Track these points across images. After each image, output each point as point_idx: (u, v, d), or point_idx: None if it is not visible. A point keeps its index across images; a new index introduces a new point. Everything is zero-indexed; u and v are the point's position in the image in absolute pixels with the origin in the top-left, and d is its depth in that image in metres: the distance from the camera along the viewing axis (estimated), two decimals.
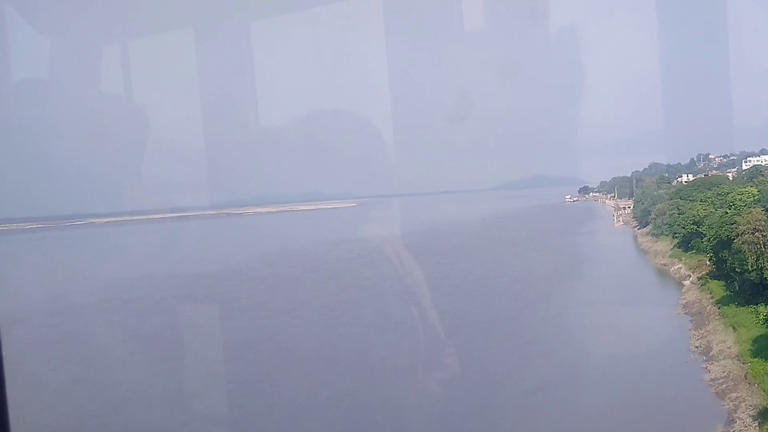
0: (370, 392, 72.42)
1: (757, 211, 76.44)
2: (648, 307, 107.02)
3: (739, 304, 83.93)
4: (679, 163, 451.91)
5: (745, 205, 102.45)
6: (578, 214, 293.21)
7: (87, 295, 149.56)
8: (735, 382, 62.99)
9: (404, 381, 66.32)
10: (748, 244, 75.58)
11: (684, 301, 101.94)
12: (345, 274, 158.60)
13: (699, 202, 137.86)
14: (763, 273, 75.86)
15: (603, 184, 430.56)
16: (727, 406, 58.81)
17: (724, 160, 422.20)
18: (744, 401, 57.58)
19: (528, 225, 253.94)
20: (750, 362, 64.50)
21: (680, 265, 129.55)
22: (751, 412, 54.53)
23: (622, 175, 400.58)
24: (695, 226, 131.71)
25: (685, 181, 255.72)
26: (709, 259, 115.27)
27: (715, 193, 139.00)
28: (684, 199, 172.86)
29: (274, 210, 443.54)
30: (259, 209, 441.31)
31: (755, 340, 69.71)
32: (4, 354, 5.59)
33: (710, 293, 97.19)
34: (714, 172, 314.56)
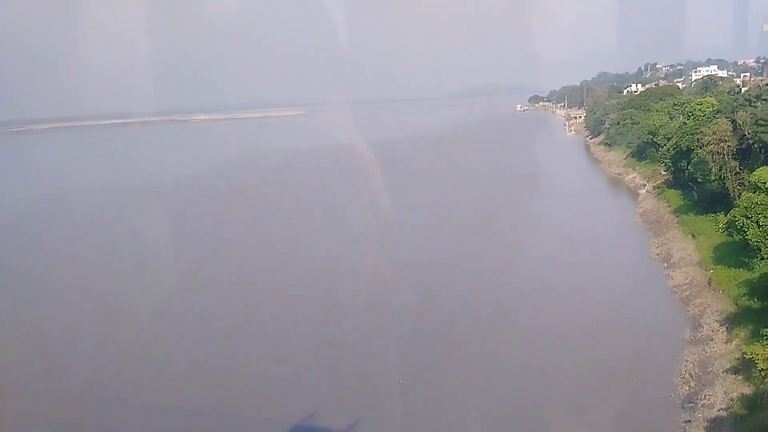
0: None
1: (724, 122, 77.00)
2: (605, 215, 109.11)
3: (698, 213, 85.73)
4: (627, 73, 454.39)
5: (704, 116, 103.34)
6: (530, 123, 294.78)
7: (32, 206, 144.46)
8: (698, 289, 64.70)
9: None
10: (713, 155, 76.44)
11: (641, 210, 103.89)
12: (302, 185, 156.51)
13: (655, 113, 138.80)
14: (725, 182, 77.17)
15: (552, 93, 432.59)
16: (692, 312, 60.42)
17: (671, 69, 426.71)
18: (709, 307, 59.18)
19: (481, 135, 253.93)
20: (713, 269, 66.13)
21: (635, 175, 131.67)
22: (717, 317, 56.08)
23: (571, 85, 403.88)
24: (651, 136, 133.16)
25: (635, 91, 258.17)
26: (665, 169, 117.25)
27: (671, 103, 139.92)
28: (637, 109, 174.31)
29: (220, 118, 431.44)
30: (204, 117, 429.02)
31: (716, 248, 71.40)
32: None
33: (667, 202, 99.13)
34: (662, 81, 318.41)
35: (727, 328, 53.39)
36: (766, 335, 41.59)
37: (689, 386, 46.97)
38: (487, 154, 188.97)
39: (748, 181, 75.76)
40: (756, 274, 60.16)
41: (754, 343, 47.14)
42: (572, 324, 61.10)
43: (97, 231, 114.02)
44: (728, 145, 76.17)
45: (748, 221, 59.33)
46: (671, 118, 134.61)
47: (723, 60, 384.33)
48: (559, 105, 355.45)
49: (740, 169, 76.87)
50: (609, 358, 53.19)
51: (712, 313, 57.76)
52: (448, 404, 47.98)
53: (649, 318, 62.82)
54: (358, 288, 74.53)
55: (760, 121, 72.03)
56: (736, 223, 67.14)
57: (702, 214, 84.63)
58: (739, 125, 76.88)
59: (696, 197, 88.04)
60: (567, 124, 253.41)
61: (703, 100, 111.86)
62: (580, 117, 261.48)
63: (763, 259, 61.71)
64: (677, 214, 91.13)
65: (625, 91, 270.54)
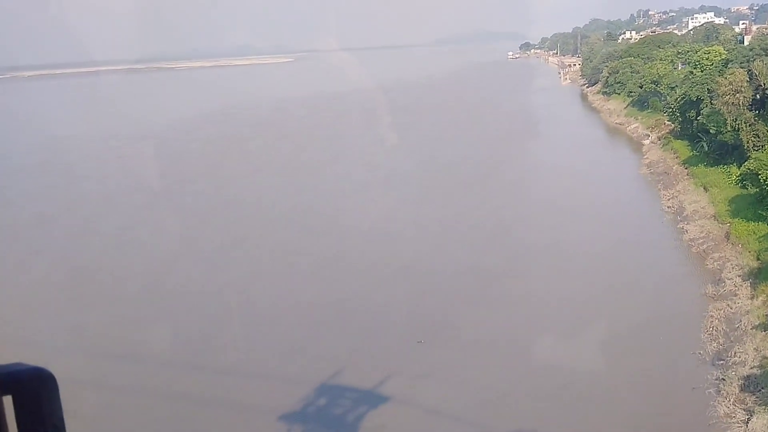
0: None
1: (740, 72, 75.42)
2: (611, 165, 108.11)
3: (708, 165, 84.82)
4: (620, 20, 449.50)
5: (712, 66, 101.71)
6: (523, 71, 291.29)
7: (20, 157, 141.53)
8: (715, 243, 64.06)
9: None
10: (728, 105, 75.04)
11: (647, 161, 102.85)
12: (297, 133, 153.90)
13: (658, 61, 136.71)
14: (739, 134, 75.98)
15: (544, 40, 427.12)
16: (711, 266, 59.85)
17: (664, 16, 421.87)
18: (729, 261, 58.60)
19: (475, 83, 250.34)
20: (730, 222, 65.41)
21: (637, 125, 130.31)
22: (739, 272, 55.51)
23: (563, 32, 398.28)
24: (654, 86, 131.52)
25: (630, 39, 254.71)
26: (670, 119, 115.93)
27: (674, 51, 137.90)
28: (635, 57, 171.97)
29: (208, 65, 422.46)
30: (191, 64, 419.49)
31: (731, 201, 70.66)
32: None
33: (675, 153, 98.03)
34: (655, 28, 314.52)
35: (751, 283, 52.77)
36: None
37: (717, 343, 46.40)
38: (484, 103, 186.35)
39: (764, 133, 74.93)
40: None
41: None
42: (590, 279, 60.56)
43: (96, 183, 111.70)
44: (744, 96, 74.74)
45: None
46: (674, 67, 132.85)
47: (716, 6, 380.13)
48: (551, 52, 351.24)
49: (755, 120, 75.62)
50: (631, 315, 52.52)
51: (732, 268, 57.17)
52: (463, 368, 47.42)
53: (667, 273, 62.33)
54: (361, 241, 73.68)
55: None
56: (756, 175, 66.40)
57: (713, 166, 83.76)
58: (755, 76, 75.29)
59: (706, 148, 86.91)
60: (561, 72, 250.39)
61: (710, 49, 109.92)
62: (574, 65, 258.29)
63: None
64: (686, 165, 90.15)
65: (619, 39, 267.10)
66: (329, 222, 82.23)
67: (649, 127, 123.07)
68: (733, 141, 78.24)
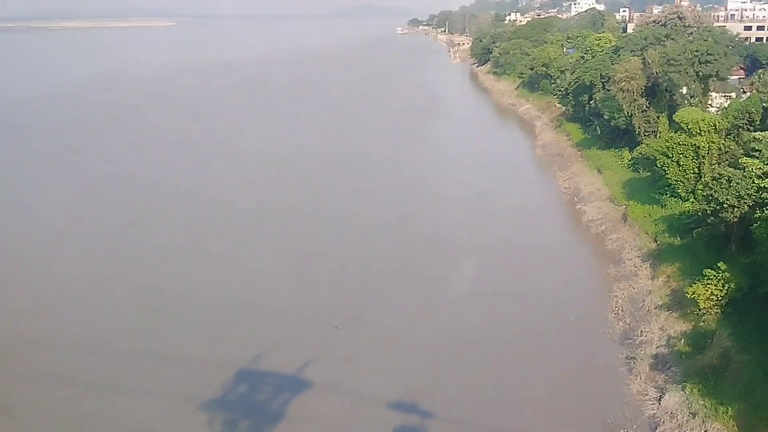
0: None
1: (635, 60, 78.79)
2: (506, 146, 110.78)
3: (601, 148, 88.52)
4: (504, 0, 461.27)
5: (603, 51, 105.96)
6: (414, 47, 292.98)
7: None
8: (613, 224, 66.97)
9: None
10: (623, 92, 78.33)
11: (541, 142, 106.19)
12: (191, 104, 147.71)
13: (549, 45, 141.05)
14: (632, 119, 79.57)
15: (432, 17, 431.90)
16: (610, 247, 62.50)
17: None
18: (627, 242, 61.42)
19: (368, 57, 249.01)
20: (626, 205, 68.55)
21: (528, 106, 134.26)
22: (637, 254, 58.26)
23: (449, 10, 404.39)
24: (544, 68, 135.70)
25: (516, 20, 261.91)
26: (560, 101, 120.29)
27: (565, 36, 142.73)
28: (524, 39, 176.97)
29: (85, 25, 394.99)
30: (66, 23, 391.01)
31: (625, 184, 74.10)
32: None
33: (567, 135, 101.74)
34: (539, 12, 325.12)
35: (650, 264, 55.54)
36: (707, 275, 43.28)
37: (624, 322, 48.59)
38: (379, 78, 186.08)
39: (654, 119, 78.90)
40: (669, 211, 63.00)
41: (684, 280, 49.37)
42: (496, 261, 61.42)
43: None
44: (638, 84, 78.20)
45: (668, 160, 61.33)
46: (564, 52, 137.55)
47: None
48: (440, 30, 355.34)
49: (647, 107, 79.40)
50: (540, 297, 54.05)
51: (631, 249, 59.95)
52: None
53: (570, 254, 64.55)
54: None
55: (671, 61, 74.15)
56: (648, 159, 69.84)
57: (605, 149, 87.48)
58: (648, 64, 78.93)
59: (599, 132, 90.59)
60: (451, 50, 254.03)
61: (601, 36, 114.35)
62: (463, 44, 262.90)
63: (674, 196, 64.58)
64: (579, 148, 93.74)
65: (506, 20, 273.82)
66: (226, 205, 79.37)
67: (540, 109, 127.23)
68: (625, 126, 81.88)
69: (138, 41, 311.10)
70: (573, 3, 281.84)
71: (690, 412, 36.39)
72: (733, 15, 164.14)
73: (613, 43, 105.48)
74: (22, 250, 65.53)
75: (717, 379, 37.74)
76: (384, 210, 75.27)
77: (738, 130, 64.12)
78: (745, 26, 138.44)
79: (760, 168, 37.95)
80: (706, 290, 43.01)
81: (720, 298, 42.72)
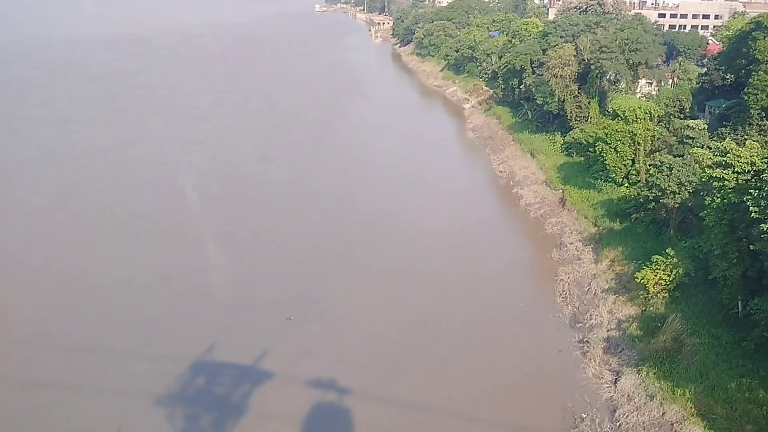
0: None
1: (568, 47, 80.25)
2: (438, 128, 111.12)
3: (532, 132, 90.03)
4: None
5: (530, 36, 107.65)
6: (333, 25, 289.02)
7: None
8: (551, 208, 68.44)
9: None
10: (557, 78, 79.81)
11: (471, 125, 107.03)
12: (105, 79, 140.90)
13: (475, 28, 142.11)
14: (563, 104, 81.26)
15: None
16: (550, 231, 63.76)
17: None
18: (567, 226, 62.80)
19: (288, 35, 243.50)
20: (562, 189, 70.10)
21: (455, 88, 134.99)
22: (578, 237, 59.72)
23: None
24: (471, 51, 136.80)
25: (434, 1, 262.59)
26: (488, 85, 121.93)
27: (490, 19, 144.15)
28: (446, 20, 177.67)
29: None
30: None
31: (559, 168, 75.72)
32: None
33: (498, 119, 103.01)
34: None
35: (593, 248, 57.07)
36: (656, 261, 44.75)
37: (573, 306, 49.78)
38: (301, 57, 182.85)
39: (585, 105, 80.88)
40: (605, 196, 64.83)
41: (628, 264, 51.00)
42: (440, 246, 61.40)
43: None
44: (571, 70, 79.84)
45: (607, 147, 62.96)
46: (490, 35, 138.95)
47: None
48: (358, 9, 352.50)
49: (579, 93, 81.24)
50: (488, 282, 54.73)
51: (572, 233, 61.41)
52: None
53: (511, 237, 65.70)
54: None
55: (603, 48, 75.98)
56: (581, 144, 71.67)
57: (537, 133, 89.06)
58: (580, 50, 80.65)
59: (530, 116, 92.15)
60: (372, 29, 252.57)
61: (528, 20, 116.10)
62: (384, 23, 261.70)
63: (608, 181, 66.48)
64: (511, 131, 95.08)
65: (426, 0, 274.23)
66: (155, 189, 76.54)
67: (467, 91, 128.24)
68: (557, 111, 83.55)
69: (38, 10, 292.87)
70: None
71: (647, 395, 37.69)
72: (645, 2, 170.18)
73: (541, 28, 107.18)
74: None
75: (671, 362, 39.21)
76: (319, 195, 74.13)
77: (669, 117, 66.59)
78: (659, 14, 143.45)
79: (710, 158, 39.39)
80: (655, 275, 44.54)
81: (668, 283, 44.29)
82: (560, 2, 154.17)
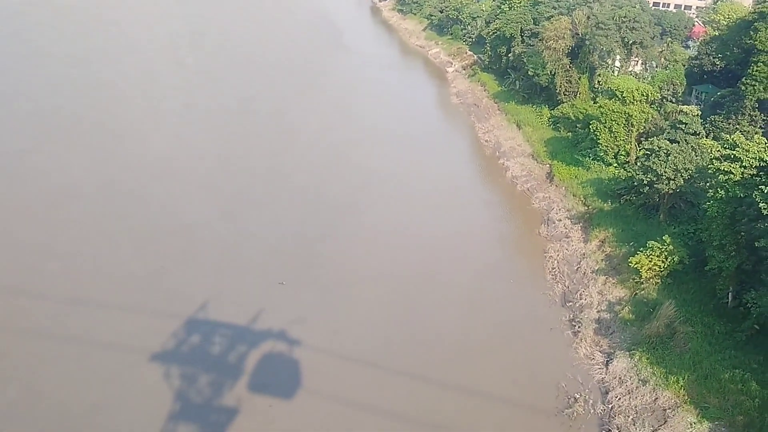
0: None
1: (565, 20, 79.51)
2: (421, 90, 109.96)
3: (518, 102, 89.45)
4: None
5: (520, 4, 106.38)
6: None
7: None
8: (538, 182, 68.56)
9: None
10: (550, 50, 79.19)
11: (455, 90, 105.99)
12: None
13: None
14: (554, 77, 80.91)
15: None
16: (537, 206, 64.01)
17: None
18: (555, 203, 63.07)
19: None
20: (549, 163, 70.22)
21: (438, 50, 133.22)
22: (566, 215, 60.05)
23: None
24: (456, 13, 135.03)
25: None
26: (471, 49, 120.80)
27: None
28: None
29: None
30: None
31: (546, 142, 75.71)
32: None
33: (483, 86, 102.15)
34: None
35: (581, 227, 57.55)
36: (651, 246, 45.26)
37: (563, 285, 50.31)
38: (275, 8, 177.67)
39: (575, 80, 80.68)
40: (594, 174, 65.16)
41: (618, 246, 51.58)
42: (427, 215, 61.09)
43: None
44: (566, 44, 79.34)
45: (601, 126, 63.06)
46: None
47: None
48: None
49: (570, 67, 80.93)
50: (477, 254, 54.89)
51: (560, 210, 61.73)
52: None
53: (498, 210, 65.57)
54: None
55: (600, 24, 75.55)
56: (569, 119, 71.82)
57: (523, 104, 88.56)
58: (575, 24, 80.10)
59: (517, 86, 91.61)
60: None
61: None
62: None
63: (597, 159, 66.71)
64: (496, 100, 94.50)
65: None
66: (137, 153, 74.39)
67: (450, 54, 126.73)
68: (546, 83, 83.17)
69: None
70: None
71: (639, 379, 38.49)
72: None
73: None
74: None
75: (664, 348, 40.03)
76: (305, 156, 72.78)
77: (662, 100, 66.90)
78: None
79: (718, 150, 39.71)
80: (649, 261, 45.08)
81: (662, 269, 44.92)
82: None
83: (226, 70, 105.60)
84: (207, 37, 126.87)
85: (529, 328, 45.04)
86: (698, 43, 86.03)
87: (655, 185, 51.97)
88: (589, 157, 67.80)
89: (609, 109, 62.51)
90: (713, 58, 73.76)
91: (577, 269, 51.84)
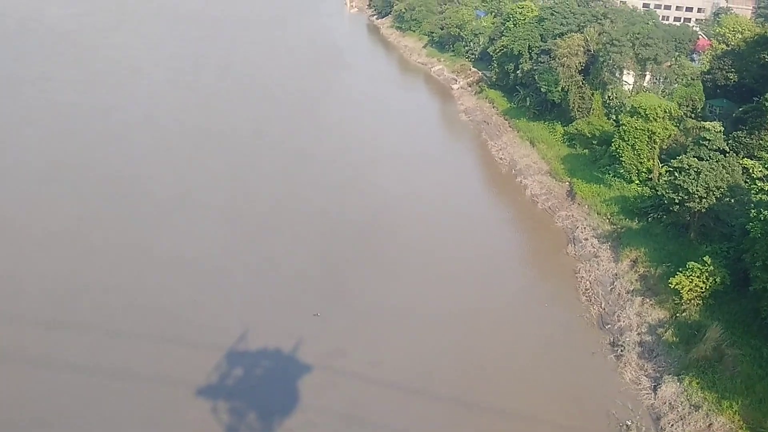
0: None
1: (578, 37, 79.66)
2: (429, 107, 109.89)
3: (530, 119, 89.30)
4: None
5: (525, 20, 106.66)
6: None
7: None
8: (559, 200, 68.26)
9: None
10: (563, 67, 79.24)
11: (463, 107, 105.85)
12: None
13: (463, 7, 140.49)
14: (567, 94, 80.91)
15: None
16: (561, 225, 63.64)
17: None
18: (579, 221, 62.74)
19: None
20: (569, 181, 69.98)
21: (441, 67, 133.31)
22: (592, 233, 59.70)
23: None
24: (458, 30, 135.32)
25: None
26: (475, 65, 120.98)
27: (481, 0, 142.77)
28: None
29: None
30: None
31: (563, 159, 75.52)
32: None
33: (491, 103, 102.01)
34: None
35: (610, 246, 57.18)
36: (691, 267, 44.90)
37: (598, 306, 49.91)
38: (273, 22, 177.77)
39: (589, 96, 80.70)
40: (616, 192, 64.94)
41: (652, 266, 51.22)
42: (455, 235, 60.77)
43: None
44: (579, 61, 79.44)
45: (624, 144, 62.92)
46: (478, 15, 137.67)
47: None
48: None
49: (582, 84, 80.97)
50: (506, 275, 54.57)
51: (585, 228, 61.38)
52: None
53: (522, 228, 65.25)
54: None
55: (614, 41, 75.69)
56: (585, 137, 71.76)
57: (535, 121, 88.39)
58: (587, 41, 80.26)
59: (528, 103, 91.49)
60: None
61: (523, 4, 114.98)
62: None
63: (618, 177, 66.51)
64: (506, 117, 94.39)
65: None
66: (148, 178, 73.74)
67: (454, 71, 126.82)
68: (559, 100, 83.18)
69: None
70: None
71: (691, 405, 38.03)
72: None
73: (535, 13, 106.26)
74: None
75: (713, 372, 39.56)
76: (321, 177, 72.27)
77: (682, 117, 66.88)
78: (643, 3, 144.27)
79: (760, 171, 39.52)
80: (690, 281, 44.71)
81: (703, 291, 44.56)
82: None
83: (232, 92, 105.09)
84: (211, 59, 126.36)
85: (570, 353, 44.57)
86: (702, 56, 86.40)
87: (686, 204, 51.75)
88: (610, 174, 67.62)
89: (632, 127, 62.39)
90: (727, 72, 73.89)
91: (611, 290, 51.44)
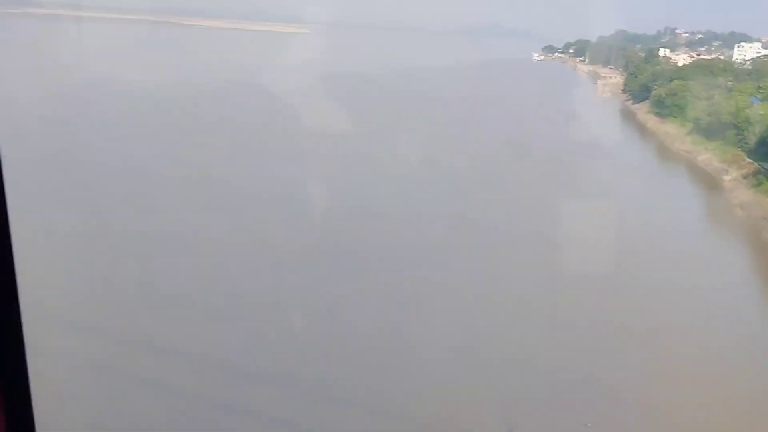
0: None
1: None
2: (699, 199, 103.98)
3: None
4: (645, 33, 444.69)
5: None
6: (554, 76, 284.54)
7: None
8: None
9: None
10: None
11: (737, 200, 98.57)
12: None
13: (737, 93, 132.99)
14: None
15: (568, 45, 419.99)
16: None
17: (692, 37, 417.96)
18: None
19: (504, 83, 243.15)
20: None
21: (708, 155, 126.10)
22: None
23: (584, 38, 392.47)
24: (730, 117, 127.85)
25: (668, 57, 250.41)
26: (749, 156, 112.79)
27: (755, 86, 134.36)
28: (688, 80, 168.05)
29: (224, 26, 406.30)
30: (206, 22, 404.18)
31: None
32: None
33: None
34: (685, 49, 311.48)
35: None
36: None
37: None
38: (523, 106, 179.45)
39: None
40: None
41: None
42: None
43: None
44: None
45: None
46: (753, 101, 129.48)
47: (746, 34, 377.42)
48: (578, 59, 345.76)
49: None
50: None
51: None
52: None
53: None
54: None
55: None
56: None
57: None
58: None
59: None
60: (599, 84, 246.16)
61: None
62: (610, 77, 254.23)
63: None
64: None
65: (660, 56, 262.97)
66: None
67: (725, 161, 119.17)
68: None
69: (290, 49, 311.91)
70: (737, 46, 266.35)
71: None
72: None
73: None
74: None
75: None
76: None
77: None
78: None
79: None
80: None
81: None
82: None
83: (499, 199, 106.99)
84: (457, 154, 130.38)
85: None
86: None
87: None
88: None
89: None
90: None
91: None
